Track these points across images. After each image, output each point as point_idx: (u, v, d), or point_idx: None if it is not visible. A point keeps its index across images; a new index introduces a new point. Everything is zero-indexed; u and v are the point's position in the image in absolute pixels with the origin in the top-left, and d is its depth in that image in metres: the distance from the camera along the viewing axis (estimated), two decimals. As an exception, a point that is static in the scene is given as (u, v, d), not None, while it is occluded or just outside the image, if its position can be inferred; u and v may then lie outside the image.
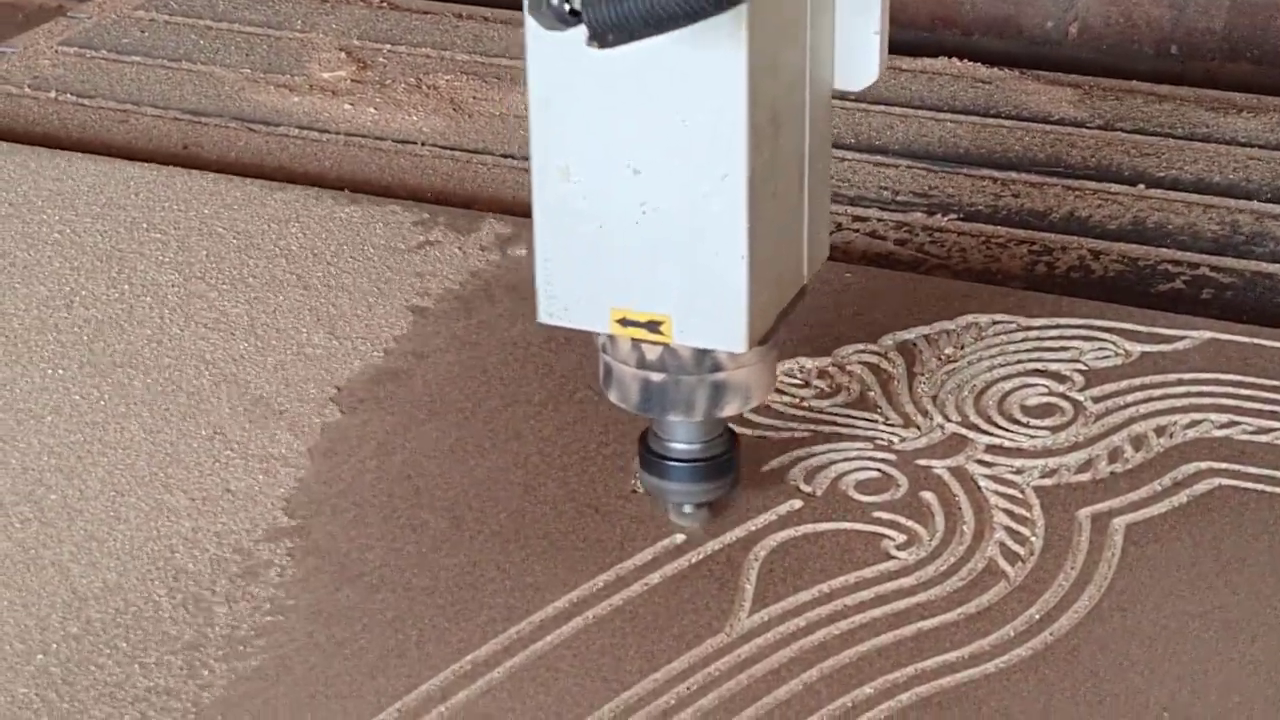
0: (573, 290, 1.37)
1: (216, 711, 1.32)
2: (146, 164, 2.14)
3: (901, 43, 2.26)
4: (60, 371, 1.73)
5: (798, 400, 1.66)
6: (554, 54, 1.30)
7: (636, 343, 1.40)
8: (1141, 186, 2.11)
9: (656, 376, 1.41)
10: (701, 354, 1.39)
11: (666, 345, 1.38)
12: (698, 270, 1.33)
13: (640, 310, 1.36)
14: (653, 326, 1.36)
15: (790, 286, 1.42)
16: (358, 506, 1.54)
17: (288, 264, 1.91)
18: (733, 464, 1.49)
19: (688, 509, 1.50)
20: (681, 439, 1.46)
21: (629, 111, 1.30)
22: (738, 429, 1.56)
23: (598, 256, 1.35)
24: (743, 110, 1.28)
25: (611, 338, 1.42)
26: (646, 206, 1.33)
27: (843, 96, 1.46)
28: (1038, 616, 1.41)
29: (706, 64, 1.27)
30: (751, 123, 1.28)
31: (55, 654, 1.38)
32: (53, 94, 2.40)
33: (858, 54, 1.41)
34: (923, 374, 1.69)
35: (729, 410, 1.43)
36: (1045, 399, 1.66)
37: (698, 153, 1.30)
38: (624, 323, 1.37)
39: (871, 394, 1.67)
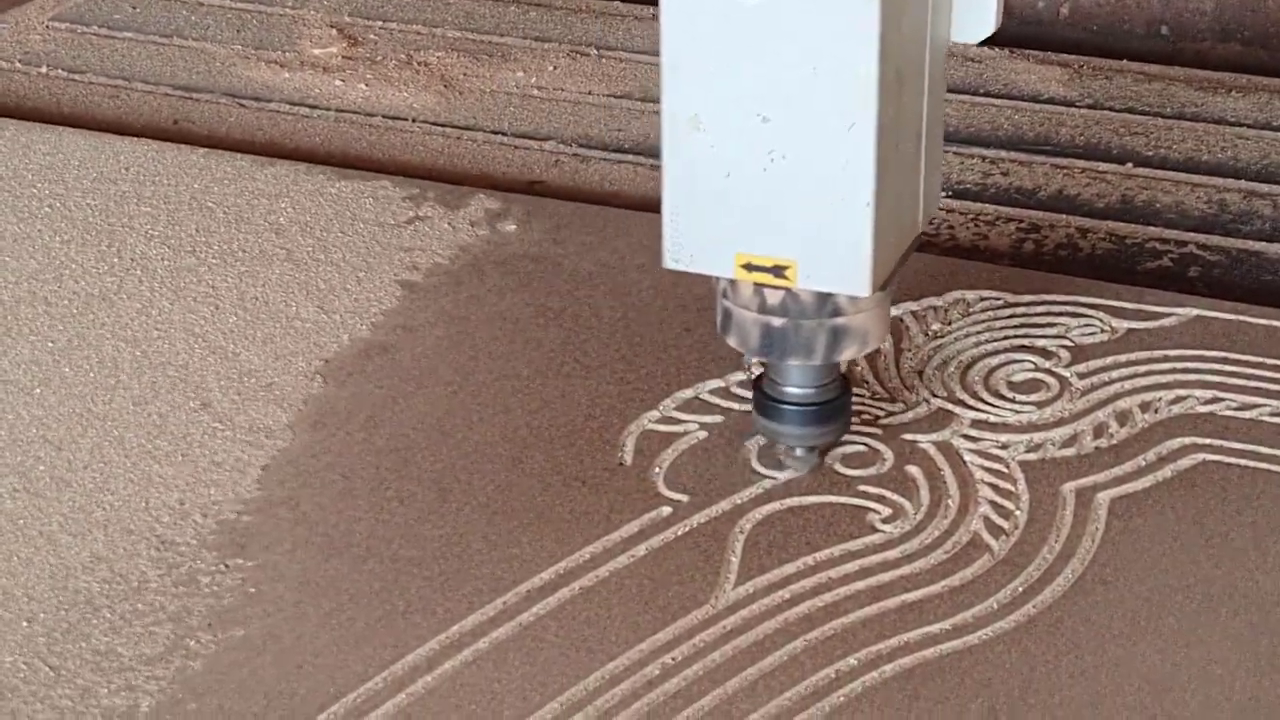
0: (699, 237, 1.40)
1: (202, 681, 1.33)
2: (137, 139, 2.14)
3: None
4: (50, 344, 1.73)
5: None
6: (688, 4, 1.33)
7: (758, 288, 1.43)
8: (1130, 165, 2.11)
9: (778, 321, 1.44)
10: (822, 299, 1.42)
11: (788, 290, 1.41)
12: (823, 217, 1.36)
13: (766, 255, 1.38)
14: (778, 271, 1.39)
15: (908, 234, 1.45)
16: (345, 478, 1.54)
17: (277, 238, 1.91)
18: (845, 409, 1.51)
19: (800, 452, 1.52)
20: (797, 383, 1.49)
21: (760, 61, 1.33)
22: (721, 404, 1.57)
23: (724, 203, 1.38)
24: (874, 62, 1.30)
25: (733, 283, 1.45)
26: (774, 154, 1.35)
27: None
28: (1021, 589, 1.41)
29: (839, 14, 1.29)
30: (881, 75, 1.30)
31: (42, 623, 1.38)
32: (44, 69, 2.40)
33: (976, 5, 1.43)
34: (910, 349, 1.70)
35: (847, 354, 1.46)
36: (1031, 375, 1.66)
37: (827, 101, 1.32)
38: (749, 268, 1.40)
39: (859, 369, 1.67)
